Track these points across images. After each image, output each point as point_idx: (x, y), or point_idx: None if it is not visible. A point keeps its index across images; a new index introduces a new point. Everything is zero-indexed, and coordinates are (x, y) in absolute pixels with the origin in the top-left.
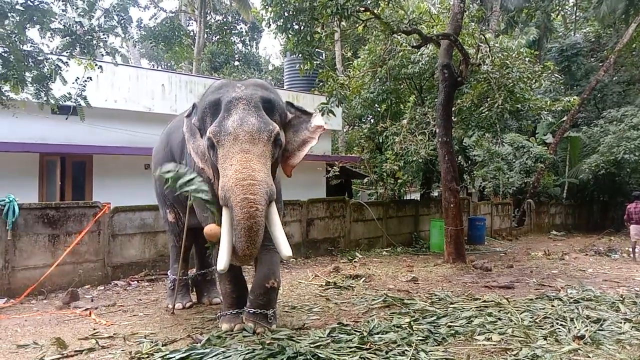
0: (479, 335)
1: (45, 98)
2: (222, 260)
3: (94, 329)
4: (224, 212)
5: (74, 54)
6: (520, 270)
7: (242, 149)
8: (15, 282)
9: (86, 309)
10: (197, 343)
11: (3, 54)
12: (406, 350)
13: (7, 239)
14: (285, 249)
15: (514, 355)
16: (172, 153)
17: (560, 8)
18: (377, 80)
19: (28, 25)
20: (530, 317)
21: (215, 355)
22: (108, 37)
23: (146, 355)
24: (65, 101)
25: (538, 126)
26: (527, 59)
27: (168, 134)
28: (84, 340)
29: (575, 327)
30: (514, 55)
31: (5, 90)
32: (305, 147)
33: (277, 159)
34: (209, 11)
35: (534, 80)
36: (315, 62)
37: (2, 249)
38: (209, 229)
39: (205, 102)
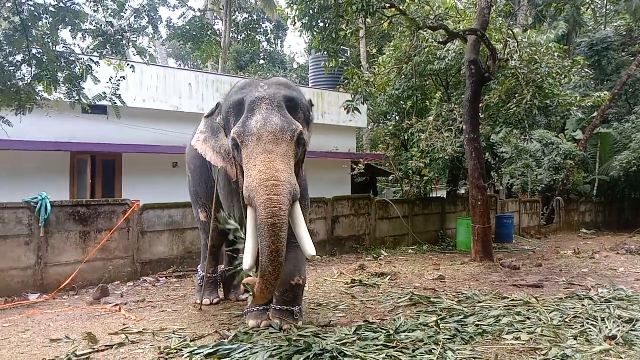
0: (507, 334)
1: (77, 97)
2: (248, 260)
3: (124, 325)
4: (249, 211)
5: (104, 54)
6: (549, 269)
7: (265, 149)
8: (47, 277)
9: (116, 305)
10: (225, 339)
11: (37, 54)
12: (433, 349)
13: (39, 235)
14: (309, 248)
15: (544, 355)
16: None
17: (590, 1)
18: (403, 77)
19: (60, 27)
20: (560, 317)
21: (243, 351)
22: (138, 37)
23: (175, 351)
24: (100, 100)
25: (567, 122)
26: (556, 54)
27: None
28: (114, 335)
29: (607, 327)
30: (542, 50)
31: (39, 91)
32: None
33: (301, 158)
34: (234, 10)
35: (563, 76)
36: (340, 60)
37: (35, 246)
38: (247, 281)
39: (230, 102)
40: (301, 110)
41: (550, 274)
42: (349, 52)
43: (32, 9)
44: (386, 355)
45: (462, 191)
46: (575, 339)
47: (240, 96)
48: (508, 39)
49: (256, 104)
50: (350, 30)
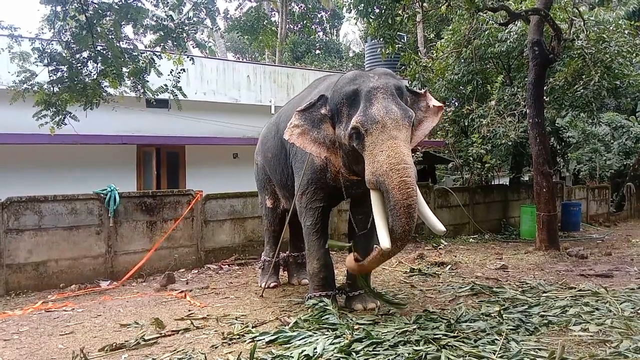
0: (574, 325)
1: (142, 91)
2: (385, 240)
3: (189, 310)
4: (375, 195)
5: (166, 48)
6: (619, 258)
7: (390, 135)
8: (117, 265)
9: (181, 292)
10: (285, 325)
11: (102, 51)
12: (496, 339)
13: (109, 225)
14: (438, 225)
15: (614, 347)
16: (283, 142)
17: None
18: (462, 61)
19: (123, 23)
20: (632, 308)
21: (303, 338)
22: (197, 30)
23: (237, 336)
24: (162, 92)
25: (639, 104)
26: (626, 31)
27: (277, 124)
28: (180, 321)
29: None
30: (611, 28)
31: (104, 86)
32: (422, 127)
33: None
34: (290, 0)
35: (634, 55)
36: (396, 46)
37: (105, 235)
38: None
39: (342, 93)
40: (404, 97)
41: (620, 264)
42: (405, 37)
43: (97, 6)
44: (447, 345)
45: (526, 178)
46: None
47: (353, 87)
48: (574, 18)
49: (372, 93)
50: (407, 15)
